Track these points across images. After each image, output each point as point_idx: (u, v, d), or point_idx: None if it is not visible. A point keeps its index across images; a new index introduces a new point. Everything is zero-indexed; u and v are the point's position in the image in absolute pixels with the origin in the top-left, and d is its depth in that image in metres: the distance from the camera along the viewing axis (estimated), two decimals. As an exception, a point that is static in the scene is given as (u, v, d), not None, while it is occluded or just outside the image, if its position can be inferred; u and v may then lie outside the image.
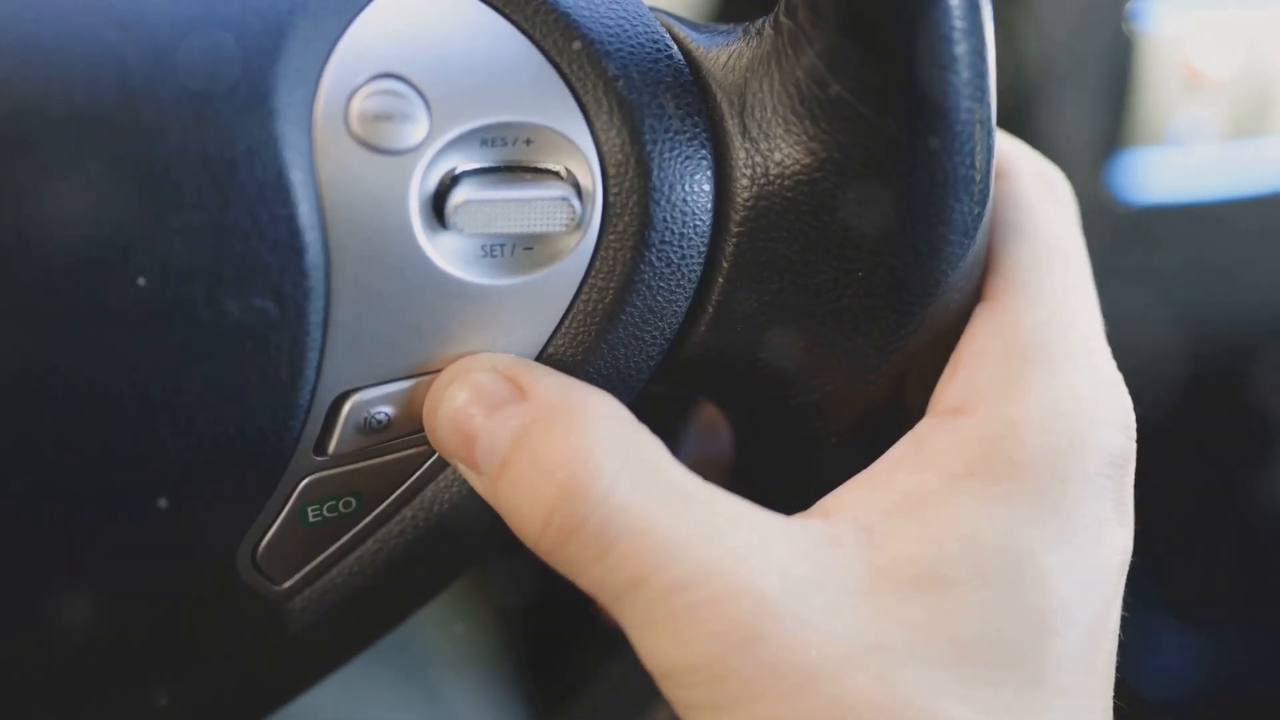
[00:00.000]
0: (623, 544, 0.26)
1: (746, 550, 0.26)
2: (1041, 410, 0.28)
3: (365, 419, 0.28)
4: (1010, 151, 0.33)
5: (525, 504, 0.27)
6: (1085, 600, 0.27)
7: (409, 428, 0.29)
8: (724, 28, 0.30)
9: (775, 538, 0.27)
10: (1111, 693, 0.28)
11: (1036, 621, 0.27)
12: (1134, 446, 0.29)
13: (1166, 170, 0.61)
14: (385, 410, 0.28)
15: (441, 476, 0.31)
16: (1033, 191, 0.32)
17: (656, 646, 0.26)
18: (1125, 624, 0.29)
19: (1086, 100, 0.59)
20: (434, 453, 0.30)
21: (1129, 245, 0.62)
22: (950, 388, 0.29)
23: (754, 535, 0.27)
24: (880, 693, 0.25)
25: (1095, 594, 0.28)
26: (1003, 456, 0.27)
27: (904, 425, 0.31)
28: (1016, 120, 0.57)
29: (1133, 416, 0.29)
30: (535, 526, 0.27)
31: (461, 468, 0.29)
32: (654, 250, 0.28)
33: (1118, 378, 0.30)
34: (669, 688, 0.27)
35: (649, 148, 0.28)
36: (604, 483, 0.27)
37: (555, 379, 0.28)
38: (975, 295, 0.31)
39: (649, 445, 0.28)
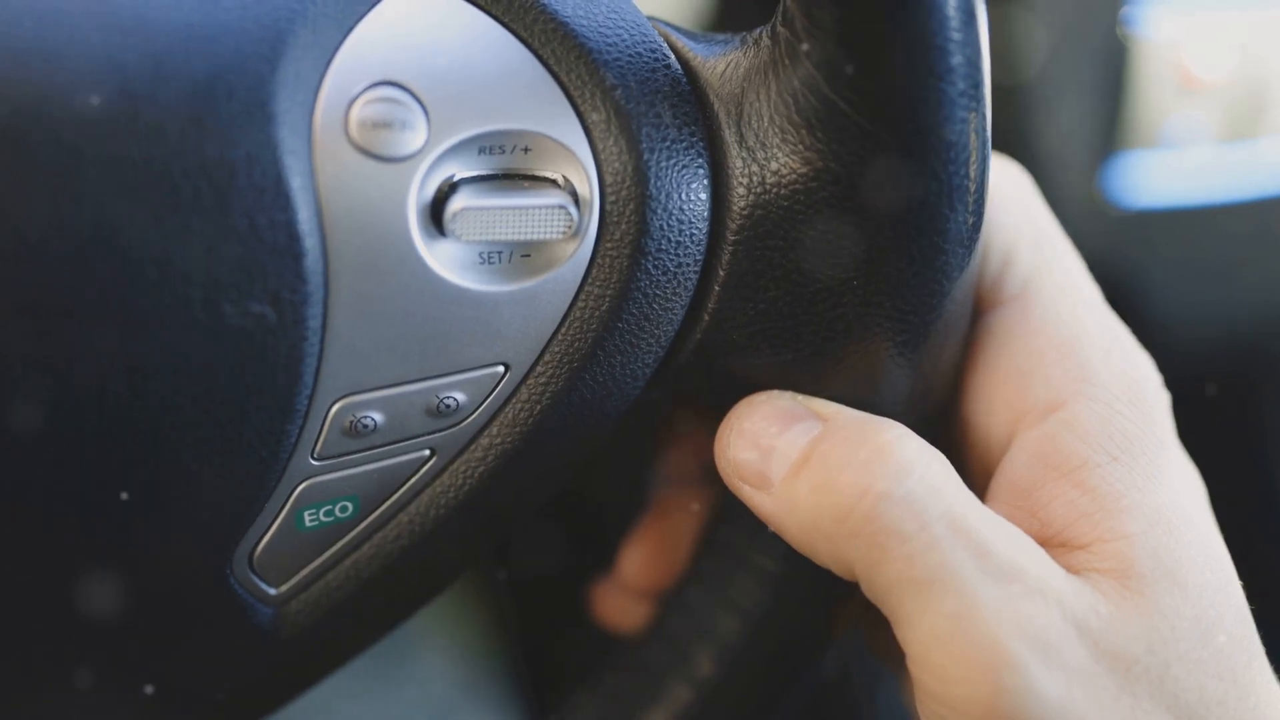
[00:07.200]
0: (937, 528, 0.27)
1: (1022, 596, 0.26)
2: (1120, 386, 0.30)
3: (351, 423, 0.28)
4: None
5: (836, 486, 0.27)
6: (1219, 540, 0.30)
7: (398, 434, 0.29)
8: (721, 37, 0.30)
9: (1051, 582, 0.27)
10: None
11: (1223, 573, 0.29)
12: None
13: (1161, 173, 0.61)
14: (373, 415, 0.28)
15: (438, 482, 0.31)
16: (1000, 182, 0.33)
17: (930, 672, 0.27)
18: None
19: (1081, 104, 0.59)
20: (431, 457, 0.30)
21: (1124, 248, 0.62)
22: (1030, 392, 0.30)
23: (1030, 583, 0.27)
24: None
25: (1215, 526, 0.30)
26: (1123, 435, 0.29)
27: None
28: (1011, 124, 0.57)
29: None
30: (846, 503, 0.27)
31: (744, 489, 0.30)
32: (650, 258, 0.28)
33: (1126, 330, 0.32)
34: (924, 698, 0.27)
35: (646, 156, 0.28)
36: (920, 466, 0.27)
37: (852, 409, 0.29)
38: (973, 305, 0.31)
39: (945, 460, 0.28)
